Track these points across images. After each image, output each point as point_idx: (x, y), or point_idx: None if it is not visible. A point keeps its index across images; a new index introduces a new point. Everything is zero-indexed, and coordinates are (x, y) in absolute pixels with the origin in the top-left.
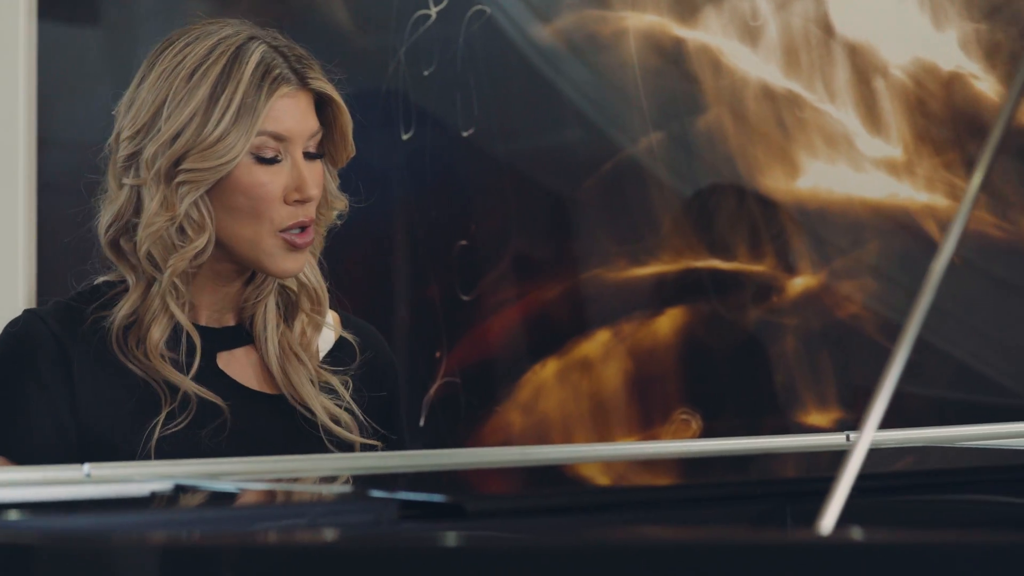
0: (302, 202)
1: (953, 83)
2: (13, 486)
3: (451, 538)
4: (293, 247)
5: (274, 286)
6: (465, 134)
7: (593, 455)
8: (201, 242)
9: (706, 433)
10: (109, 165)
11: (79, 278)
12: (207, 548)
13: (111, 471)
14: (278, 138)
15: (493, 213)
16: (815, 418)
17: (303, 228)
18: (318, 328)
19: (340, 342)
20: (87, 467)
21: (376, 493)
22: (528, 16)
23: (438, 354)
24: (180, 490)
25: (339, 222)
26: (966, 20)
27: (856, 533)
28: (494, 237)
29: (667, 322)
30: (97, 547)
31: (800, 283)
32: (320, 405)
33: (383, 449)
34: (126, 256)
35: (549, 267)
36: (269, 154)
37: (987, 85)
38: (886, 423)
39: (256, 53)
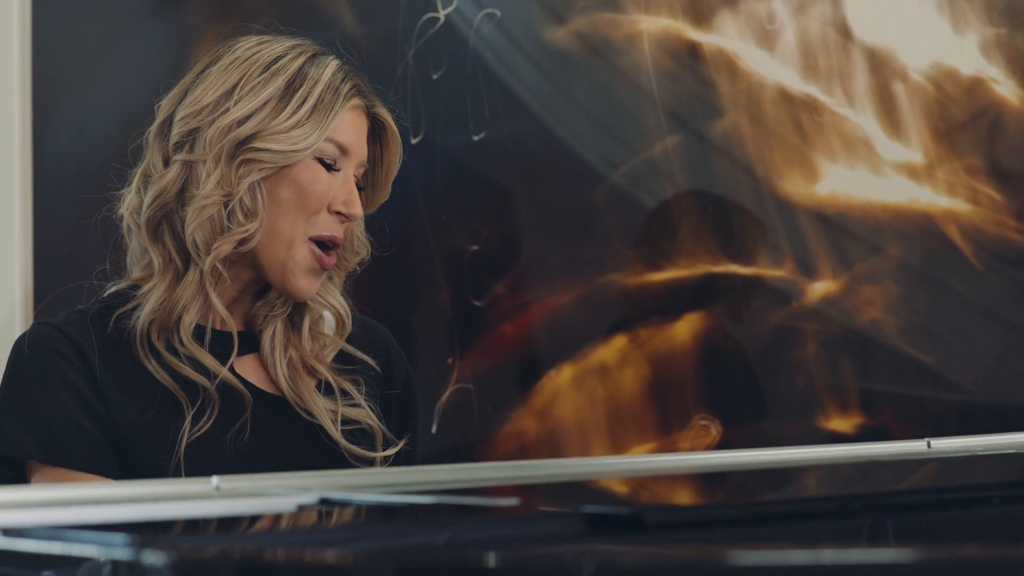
0: (344, 218)
1: (974, 87)
2: (140, 502)
3: (644, 551)
4: (319, 264)
5: (288, 310)
6: (476, 138)
7: (652, 466)
8: (252, 227)
9: (726, 439)
10: (148, 156)
11: (76, 276)
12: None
13: (240, 484)
14: (341, 149)
15: (505, 217)
16: (836, 423)
17: (331, 249)
18: (335, 347)
19: (348, 342)
20: (215, 480)
21: (556, 507)
22: (539, 19)
23: (450, 360)
24: (327, 503)
25: (359, 268)
26: (986, 24)
27: None
28: (506, 241)
29: (685, 327)
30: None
31: (820, 288)
32: (332, 419)
33: (401, 450)
34: (163, 240)
35: (563, 272)
36: (329, 160)
37: (1007, 89)
38: (915, 430)
39: (333, 62)
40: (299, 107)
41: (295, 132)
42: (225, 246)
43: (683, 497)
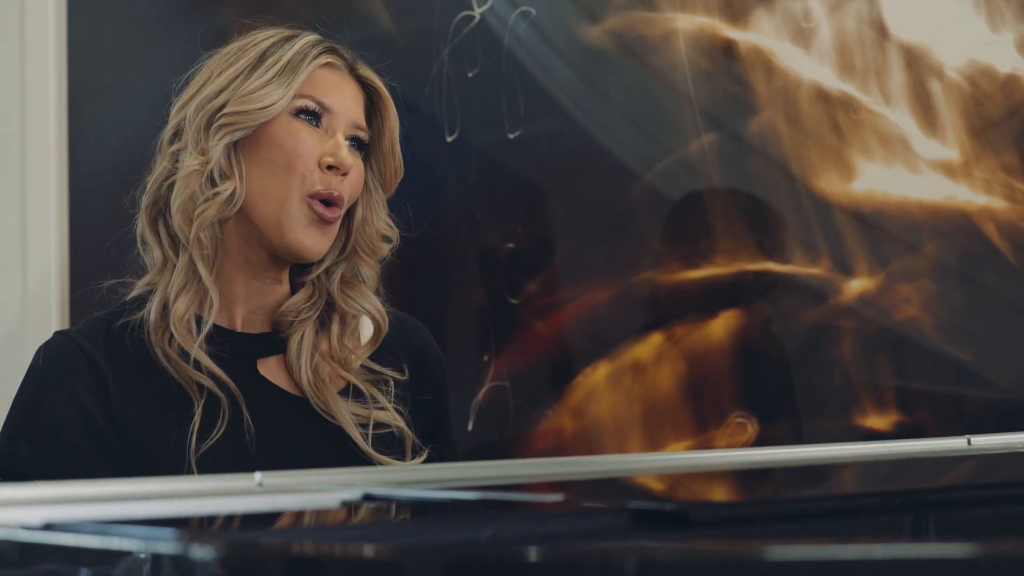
0: (335, 171)
1: (1010, 85)
2: (181, 497)
3: (688, 547)
4: (318, 219)
5: (316, 314)
6: (511, 136)
7: (696, 461)
8: (228, 187)
9: (762, 436)
10: (156, 159)
11: (113, 275)
12: (509, 562)
13: (282, 480)
14: (321, 105)
15: (541, 215)
16: (873, 421)
17: (332, 203)
18: (368, 348)
19: (384, 339)
20: (258, 476)
21: (600, 503)
22: (575, 17)
23: (486, 358)
24: (370, 499)
25: (390, 255)
26: (1022, 22)
27: None
28: (542, 239)
29: (721, 325)
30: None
31: (857, 286)
32: (356, 429)
33: (430, 456)
34: (160, 236)
35: (599, 270)
36: (310, 109)
37: None
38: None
39: (311, 36)
40: (267, 71)
41: (261, 91)
42: (209, 211)
43: (725, 493)
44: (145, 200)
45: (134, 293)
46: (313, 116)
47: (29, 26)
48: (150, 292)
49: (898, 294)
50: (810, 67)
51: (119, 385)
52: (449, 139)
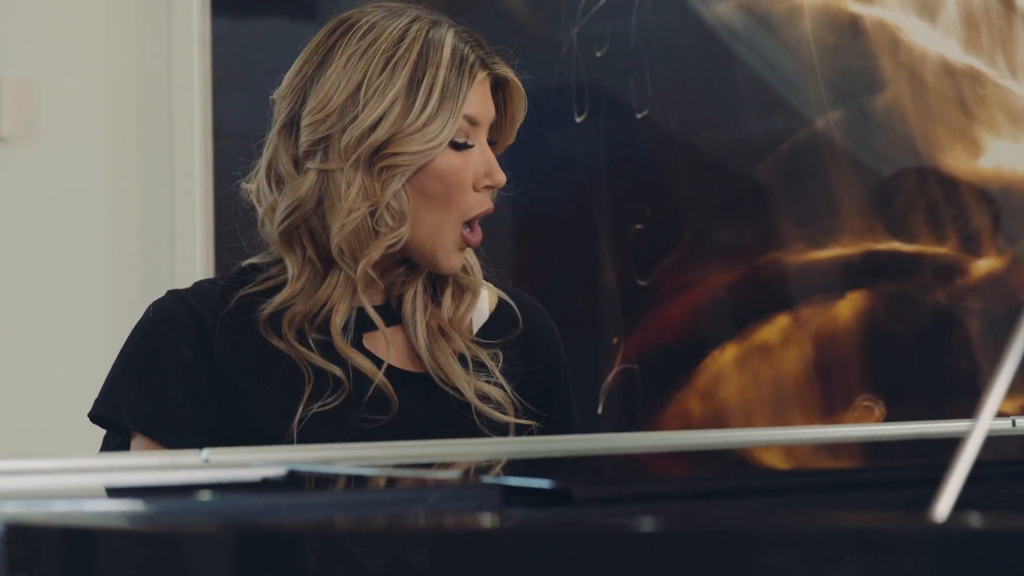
0: (490, 188)
1: None
2: (130, 471)
3: (553, 524)
4: (466, 244)
5: (425, 271)
6: (639, 115)
7: (707, 441)
8: (403, 231)
9: (889, 419)
10: (274, 152)
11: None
12: (297, 534)
13: (229, 456)
14: (472, 122)
15: (669, 196)
16: (1001, 404)
17: (476, 223)
18: (472, 303)
19: (496, 314)
20: (206, 452)
21: (484, 479)
22: None
23: (615, 340)
24: (293, 475)
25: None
26: None
27: (973, 519)
28: (670, 220)
29: (848, 306)
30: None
31: (984, 265)
32: (469, 386)
33: (541, 429)
34: (299, 244)
35: (727, 250)
36: (462, 139)
37: None
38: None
39: (449, 37)
40: (427, 100)
41: (429, 128)
42: (376, 252)
43: (615, 473)
44: (283, 223)
45: (249, 262)
46: (465, 141)
47: (175, 11)
48: (259, 268)
49: None
50: (936, 41)
51: (225, 348)
52: (578, 119)
